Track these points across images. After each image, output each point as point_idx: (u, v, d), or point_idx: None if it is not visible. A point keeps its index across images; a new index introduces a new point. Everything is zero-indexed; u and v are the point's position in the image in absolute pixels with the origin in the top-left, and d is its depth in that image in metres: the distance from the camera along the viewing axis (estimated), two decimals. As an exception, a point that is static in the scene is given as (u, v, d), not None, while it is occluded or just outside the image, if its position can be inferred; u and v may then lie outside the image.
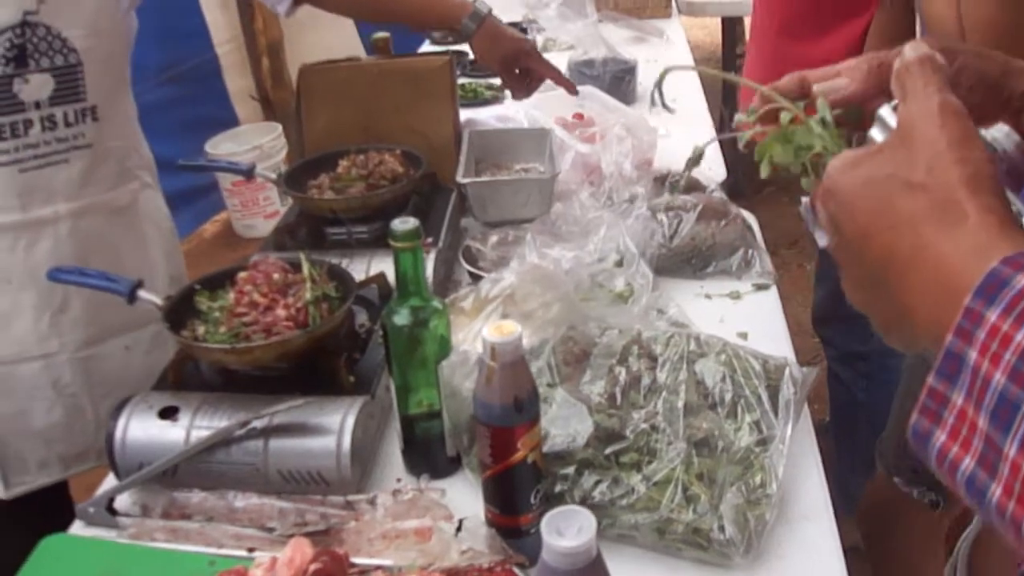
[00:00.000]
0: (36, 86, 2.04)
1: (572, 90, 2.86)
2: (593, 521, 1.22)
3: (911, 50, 0.92)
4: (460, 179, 2.58)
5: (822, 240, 3.03)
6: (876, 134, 1.01)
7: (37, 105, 2.06)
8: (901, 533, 2.62)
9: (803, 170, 1.13)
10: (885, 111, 1.00)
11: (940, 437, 0.75)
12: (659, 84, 2.41)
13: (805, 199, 2.86)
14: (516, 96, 2.95)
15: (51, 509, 2.29)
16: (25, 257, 2.13)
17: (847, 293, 0.95)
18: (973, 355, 0.72)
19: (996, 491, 0.70)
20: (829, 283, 3.39)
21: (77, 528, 1.77)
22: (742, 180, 6.08)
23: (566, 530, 1.22)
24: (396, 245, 1.61)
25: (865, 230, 0.87)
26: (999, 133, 1.08)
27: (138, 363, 2.30)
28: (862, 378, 3.36)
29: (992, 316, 0.71)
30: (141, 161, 2.39)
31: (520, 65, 2.80)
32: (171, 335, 1.88)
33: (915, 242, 0.81)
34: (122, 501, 1.77)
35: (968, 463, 0.72)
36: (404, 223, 1.60)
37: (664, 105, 2.04)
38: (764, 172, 1.32)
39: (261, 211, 6.36)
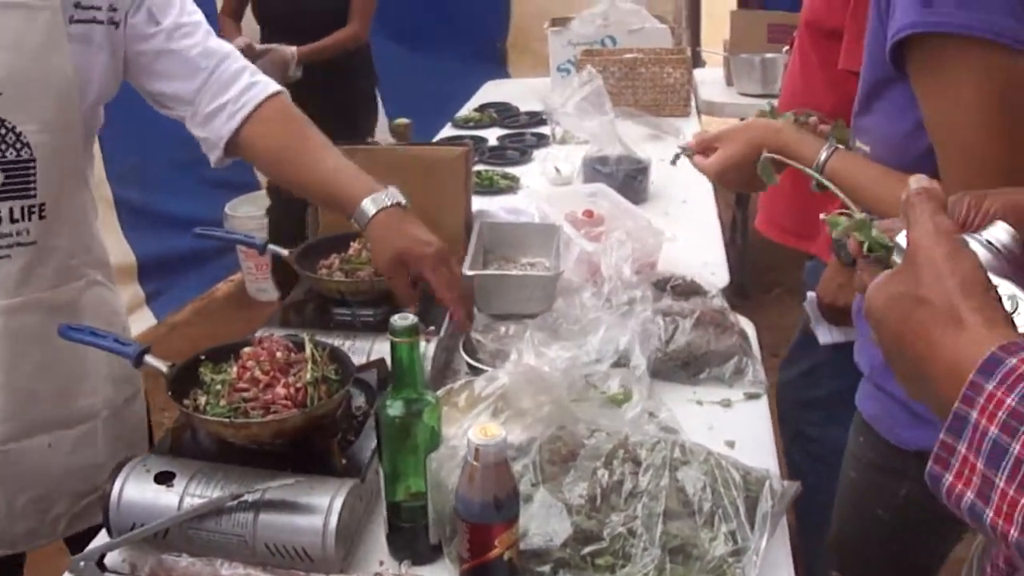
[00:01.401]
0: None
1: (464, 325, 2.33)
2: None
3: (914, 182, 1.14)
4: (467, 271, 2.63)
5: (823, 337, 3.06)
6: (896, 258, 1.22)
7: None
8: None
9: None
10: (900, 238, 1.19)
11: (948, 478, 0.98)
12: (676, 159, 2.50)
13: (811, 294, 2.90)
14: (401, 302, 2.26)
15: None
16: None
17: (897, 380, 1.14)
18: (975, 415, 0.95)
19: (989, 514, 0.93)
20: (791, 372, 3.46)
21: (66, 583, 1.81)
22: (748, 282, 6.14)
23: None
24: (394, 340, 1.66)
25: (895, 337, 1.09)
26: (998, 231, 1.21)
27: (60, 461, 2.26)
28: (812, 459, 3.40)
29: (989, 386, 0.94)
30: (90, 259, 2.30)
31: (413, 270, 2.20)
32: (174, 403, 1.92)
33: (929, 343, 1.04)
34: (112, 558, 1.81)
35: (970, 496, 0.95)
36: (404, 319, 1.65)
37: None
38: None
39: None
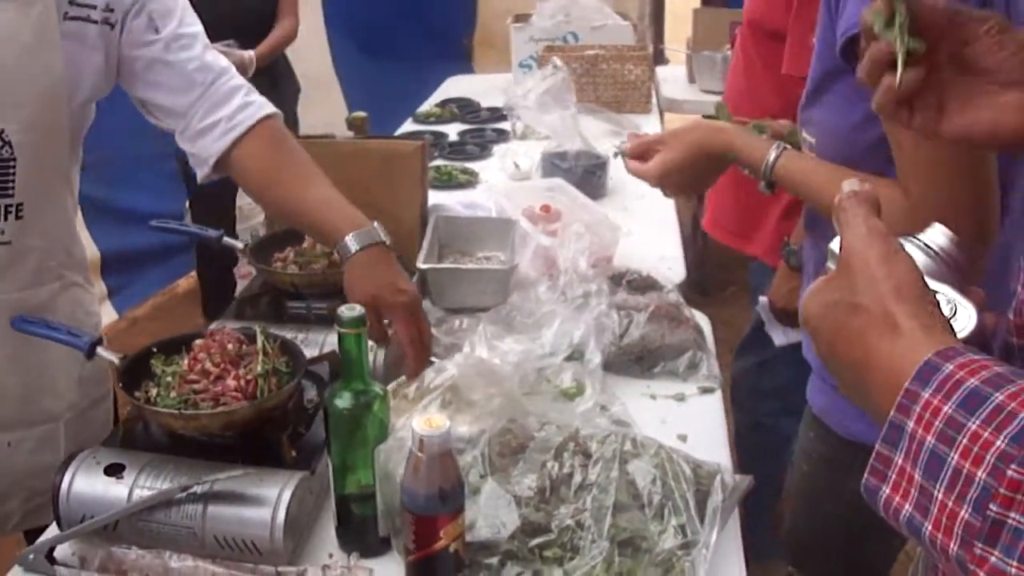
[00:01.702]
0: None
1: (417, 368, 2.13)
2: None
3: (847, 186, 1.11)
4: (421, 264, 2.63)
5: (779, 339, 3.09)
6: (831, 264, 1.18)
7: None
8: None
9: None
10: (833, 244, 1.15)
11: (885, 491, 0.95)
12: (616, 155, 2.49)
13: (763, 298, 2.92)
14: (372, 339, 2.12)
15: None
16: None
17: (840, 390, 1.12)
18: (910, 424, 0.92)
19: (928, 527, 0.90)
20: (747, 360, 3.51)
21: (15, 573, 1.81)
22: (706, 279, 6.16)
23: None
24: (341, 330, 1.67)
25: (830, 345, 1.07)
26: (936, 234, 1.21)
27: (20, 460, 2.24)
28: (764, 446, 3.44)
29: (925, 394, 0.92)
30: (69, 260, 2.27)
31: (386, 314, 2.17)
32: (124, 394, 1.93)
33: (865, 350, 1.01)
34: (62, 551, 1.81)
35: (908, 509, 0.92)
36: (351, 309, 1.66)
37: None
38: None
39: (236, 272, 6.35)
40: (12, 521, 2.30)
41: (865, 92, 1.91)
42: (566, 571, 1.64)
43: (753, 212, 3.08)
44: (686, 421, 2.27)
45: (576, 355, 2.29)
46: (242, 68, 4.66)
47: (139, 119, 2.25)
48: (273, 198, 2.34)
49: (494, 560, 1.66)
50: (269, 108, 2.33)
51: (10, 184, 2.02)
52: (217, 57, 2.32)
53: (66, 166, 2.21)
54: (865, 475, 0.98)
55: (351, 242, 2.15)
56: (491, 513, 1.71)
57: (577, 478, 1.80)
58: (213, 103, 2.26)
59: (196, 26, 2.28)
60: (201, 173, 2.32)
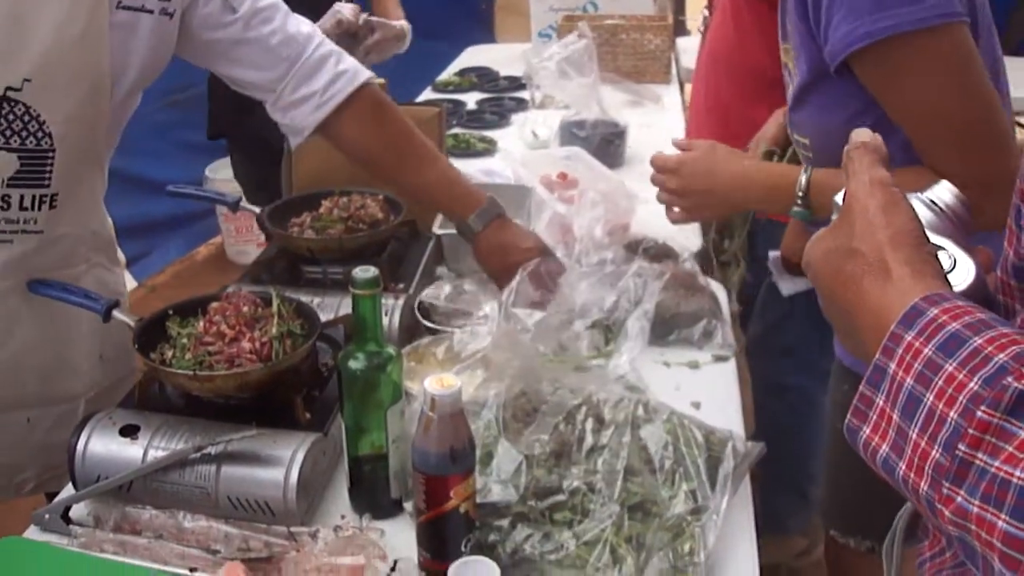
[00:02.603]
0: None
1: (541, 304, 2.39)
2: (497, 574, 1.29)
3: (855, 136, 1.14)
4: (436, 230, 2.64)
5: (786, 289, 3.11)
6: (834, 215, 1.18)
7: None
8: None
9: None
10: (838, 197, 1.17)
11: (865, 431, 0.98)
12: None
13: (773, 252, 2.94)
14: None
15: None
16: None
17: (836, 336, 1.16)
18: (892, 366, 0.95)
19: (902, 466, 0.92)
20: (762, 322, 3.49)
21: (31, 532, 1.82)
22: (720, 245, 6.13)
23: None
24: (355, 292, 1.67)
25: (829, 290, 1.11)
26: (941, 190, 1.20)
27: (37, 438, 2.24)
28: (787, 407, 3.44)
29: (909, 337, 0.94)
30: (96, 243, 2.27)
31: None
32: (139, 356, 1.94)
33: (858, 294, 1.04)
34: (77, 510, 1.82)
35: (884, 449, 0.95)
36: (365, 271, 1.66)
37: None
38: None
39: (254, 239, 6.36)
40: (26, 487, 2.31)
41: (851, 90, 1.95)
42: (576, 533, 1.65)
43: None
44: (700, 388, 2.27)
45: (597, 323, 2.30)
46: (398, 43, 4.38)
47: (151, 88, 2.24)
48: (380, 172, 2.48)
49: (504, 522, 1.67)
50: (363, 76, 2.36)
51: (47, 175, 2.01)
52: (300, 25, 2.33)
53: (102, 155, 2.20)
54: (848, 416, 1.01)
55: (474, 223, 2.44)
56: (503, 476, 1.72)
57: (589, 441, 1.80)
58: (303, 75, 2.29)
59: None
60: (294, 142, 2.40)
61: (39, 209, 2.03)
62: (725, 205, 2.42)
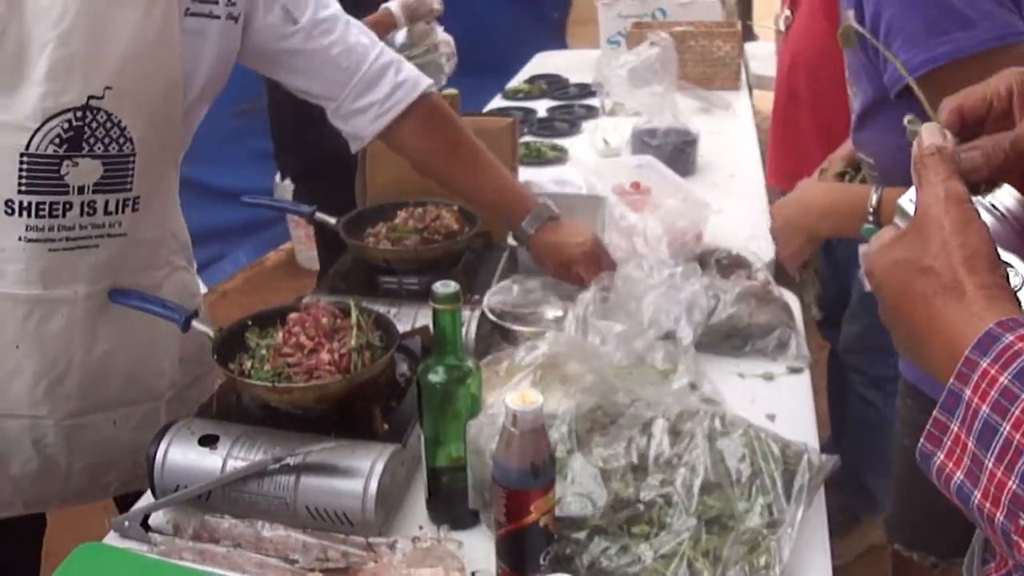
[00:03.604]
0: (84, 171, 1.99)
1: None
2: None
3: (927, 136, 1.10)
4: (512, 241, 2.65)
5: (868, 284, 3.10)
6: (899, 221, 1.17)
7: (81, 190, 2.00)
8: None
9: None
10: (903, 201, 1.16)
11: (940, 457, 0.96)
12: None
13: (863, 246, 2.95)
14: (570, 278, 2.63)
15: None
16: (36, 328, 2.09)
17: (896, 346, 1.13)
18: (967, 393, 0.93)
19: (977, 495, 0.91)
20: (864, 320, 3.50)
21: (111, 539, 1.85)
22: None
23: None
24: (436, 307, 1.68)
25: (895, 303, 1.08)
26: (1004, 195, 1.17)
27: (125, 438, 2.26)
28: (890, 396, 3.46)
29: (984, 363, 0.92)
30: (176, 245, 2.32)
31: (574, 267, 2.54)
32: (218, 367, 1.96)
33: (929, 314, 1.01)
34: (156, 518, 1.85)
35: (959, 476, 0.93)
36: (445, 286, 1.67)
37: None
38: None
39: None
40: (112, 488, 2.34)
41: (911, 112, 1.96)
42: (653, 547, 1.65)
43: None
44: (774, 400, 2.26)
45: (670, 334, 2.30)
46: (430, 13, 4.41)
47: (222, 97, 2.28)
48: (438, 177, 2.53)
49: (582, 535, 1.67)
50: (422, 85, 2.40)
51: (129, 178, 2.05)
52: (361, 35, 2.36)
53: (177, 158, 2.25)
54: (921, 440, 0.99)
55: (527, 227, 2.51)
56: (580, 488, 1.72)
57: (666, 454, 1.80)
58: (364, 86, 2.33)
59: (333, 7, 2.32)
60: (354, 147, 2.46)
61: (122, 212, 2.08)
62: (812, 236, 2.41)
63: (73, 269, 2.07)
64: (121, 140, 2.00)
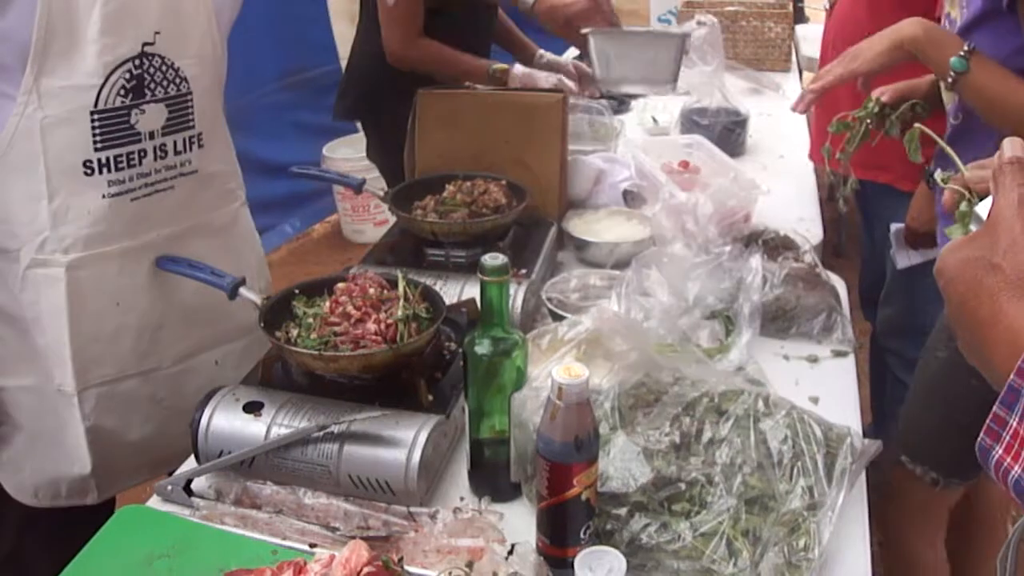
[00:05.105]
0: (151, 116, 2.08)
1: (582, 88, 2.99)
2: (623, 565, 1.30)
3: (1008, 149, 1.12)
4: (586, 29, 2.79)
5: (901, 262, 3.12)
6: (974, 226, 1.22)
7: (151, 135, 2.09)
8: (899, 503, 2.77)
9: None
10: (980, 208, 1.21)
11: (998, 451, 0.96)
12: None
13: (895, 225, 2.95)
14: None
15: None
16: (133, 280, 2.17)
17: (959, 344, 1.13)
18: None
19: None
20: (898, 302, 3.50)
21: (154, 502, 1.87)
22: (844, 241, 6.10)
23: (597, 569, 1.30)
24: (484, 279, 1.69)
25: (962, 298, 1.08)
26: None
27: (228, 376, 2.29)
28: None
29: None
30: (239, 181, 2.42)
31: (574, 19, 2.84)
32: (265, 335, 1.97)
33: (994, 309, 1.02)
34: (199, 483, 1.87)
35: (1017, 471, 0.93)
36: (494, 259, 1.67)
37: None
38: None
39: (371, 218, 6.48)
40: None
41: (1013, 27, 1.99)
42: (693, 525, 1.65)
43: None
44: (818, 383, 2.26)
45: (716, 313, 2.29)
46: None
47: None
48: None
49: (623, 511, 1.67)
50: None
51: (190, 116, 2.17)
52: None
53: (222, 96, 2.33)
54: (981, 435, 0.99)
55: None
56: (623, 465, 1.72)
57: (708, 434, 1.80)
58: None
59: None
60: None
61: (190, 150, 2.20)
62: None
63: (155, 214, 2.16)
64: (177, 80, 2.12)
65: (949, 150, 1.42)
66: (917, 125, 2.15)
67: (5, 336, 2.20)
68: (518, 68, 3.32)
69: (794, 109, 2.62)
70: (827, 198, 5.74)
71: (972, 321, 1.07)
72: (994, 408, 0.97)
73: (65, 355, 2.13)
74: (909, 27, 2.31)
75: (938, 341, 2.49)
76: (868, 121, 2.52)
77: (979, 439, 0.99)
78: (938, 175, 1.44)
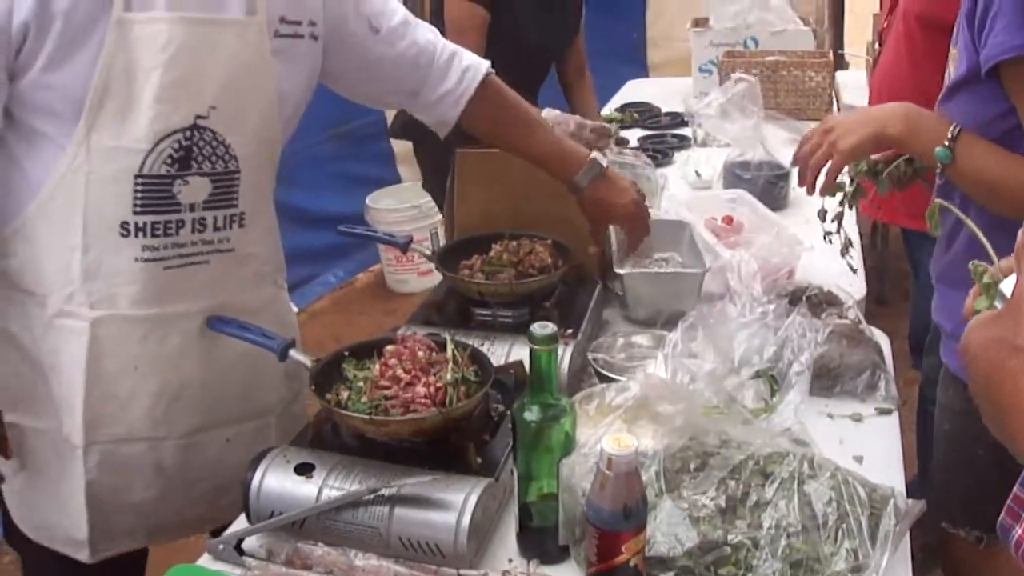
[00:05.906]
0: (194, 189, 2.07)
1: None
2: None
3: None
4: (619, 269, 2.74)
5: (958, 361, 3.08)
6: (998, 303, 1.21)
7: (192, 207, 2.08)
8: (948, 565, 2.77)
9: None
10: (1004, 285, 1.20)
11: (1018, 531, 1.00)
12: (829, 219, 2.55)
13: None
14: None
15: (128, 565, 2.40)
16: (155, 348, 2.15)
17: (984, 419, 1.15)
18: None
19: None
20: (934, 357, 3.48)
21: (204, 561, 1.90)
22: (887, 289, 6.08)
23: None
24: (533, 347, 1.72)
25: (986, 378, 1.11)
26: None
27: (237, 454, 2.26)
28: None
29: None
30: (277, 264, 2.39)
31: (616, 222, 2.81)
32: (315, 397, 2.00)
33: (1016, 391, 1.05)
34: (250, 543, 1.90)
35: None
36: (543, 328, 1.71)
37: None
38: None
39: (415, 268, 6.48)
40: (226, 513, 2.29)
41: (996, 94, 2.06)
42: (740, 588, 1.67)
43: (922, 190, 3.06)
44: (863, 442, 2.26)
45: (761, 373, 2.31)
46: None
47: (311, 120, 2.37)
48: (504, 144, 2.71)
49: (670, 575, 1.69)
50: (484, 67, 2.56)
51: (235, 195, 2.15)
52: (426, 31, 2.51)
53: (273, 177, 2.32)
54: (1002, 514, 1.04)
55: (580, 180, 2.65)
56: (669, 529, 1.73)
57: (754, 497, 1.81)
58: (438, 77, 2.50)
59: (400, 10, 2.46)
60: (442, 133, 2.61)
61: (230, 228, 2.17)
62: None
63: (186, 286, 2.15)
64: (227, 157, 2.10)
65: (980, 235, 1.42)
66: (938, 200, 2.13)
67: (24, 374, 2.21)
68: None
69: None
70: (869, 245, 5.75)
71: (995, 400, 1.09)
72: (1015, 489, 1.01)
73: (77, 407, 2.14)
74: (892, 120, 2.31)
75: (941, 417, 2.54)
76: (857, 183, 2.55)
77: (1000, 518, 1.03)
78: (971, 265, 1.46)
